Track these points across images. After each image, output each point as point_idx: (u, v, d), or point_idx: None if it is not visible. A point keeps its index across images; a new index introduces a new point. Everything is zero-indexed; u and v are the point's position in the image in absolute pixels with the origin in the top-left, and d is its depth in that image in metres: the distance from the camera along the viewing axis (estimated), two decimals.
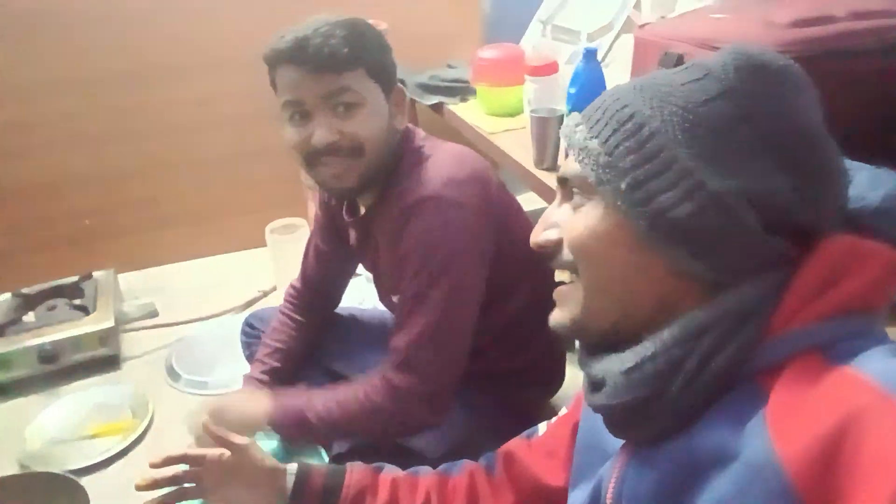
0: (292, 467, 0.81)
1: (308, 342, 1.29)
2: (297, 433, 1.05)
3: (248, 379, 1.23)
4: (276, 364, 1.24)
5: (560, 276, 0.56)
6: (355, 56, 0.94)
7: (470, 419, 1.09)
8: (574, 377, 1.42)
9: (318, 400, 1.01)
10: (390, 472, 0.81)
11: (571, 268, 0.54)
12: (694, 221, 0.47)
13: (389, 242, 1.02)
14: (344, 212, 1.14)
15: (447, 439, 1.05)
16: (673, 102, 0.49)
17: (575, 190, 0.54)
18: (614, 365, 0.51)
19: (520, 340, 1.15)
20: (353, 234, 1.15)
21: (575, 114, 0.58)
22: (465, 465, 0.80)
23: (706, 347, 0.47)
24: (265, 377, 1.22)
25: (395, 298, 1.09)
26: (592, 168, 0.51)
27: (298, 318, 1.29)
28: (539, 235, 0.56)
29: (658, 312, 0.50)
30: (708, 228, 0.47)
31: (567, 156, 0.57)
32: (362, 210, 1.09)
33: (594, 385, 0.55)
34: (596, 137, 0.51)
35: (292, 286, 1.33)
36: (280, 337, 1.27)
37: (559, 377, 1.25)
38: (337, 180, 0.98)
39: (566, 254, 0.54)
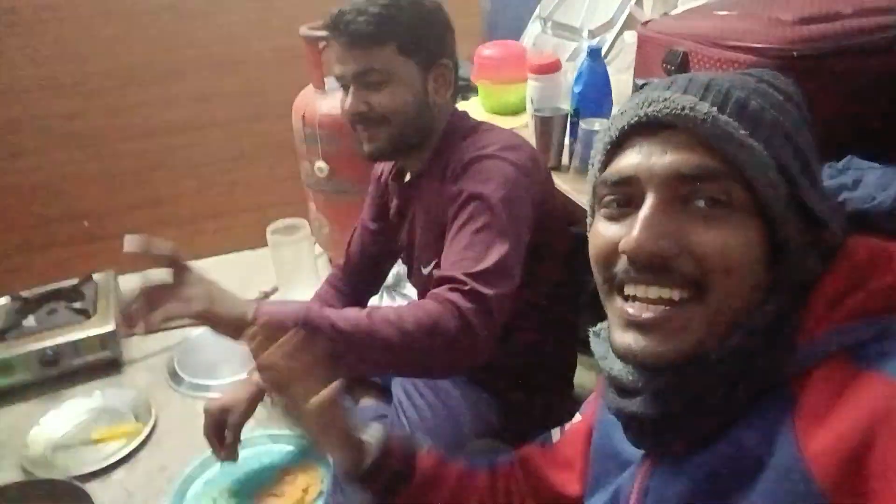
0: (374, 435, 0.72)
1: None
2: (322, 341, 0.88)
3: None
4: None
5: (635, 289, 0.49)
6: (384, 33, 0.98)
7: (496, 415, 1.11)
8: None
9: (352, 312, 0.87)
10: (456, 462, 0.76)
11: (686, 283, 0.47)
12: (818, 206, 0.48)
13: (435, 202, 1.05)
14: (391, 178, 1.19)
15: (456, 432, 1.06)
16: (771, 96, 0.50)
17: (695, 193, 0.47)
18: (660, 375, 0.50)
19: (543, 330, 1.14)
20: (394, 204, 1.18)
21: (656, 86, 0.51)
22: (503, 463, 0.78)
23: (745, 357, 0.47)
24: None
25: (424, 270, 1.10)
26: (735, 143, 0.46)
27: (343, 288, 1.32)
28: (649, 243, 0.47)
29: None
30: (818, 216, 0.48)
31: (634, 155, 0.51)
32: (408, 176, 1.14)
33: (625, 391, 0.53)
34: (725, 110, 0.47)
35: (336, 266, 1.37)
36: (325, 298, 1.29)
37: (569, 381, 1.26)
38: (369, 144, 1.06)
39: (685, 267, 0.47)
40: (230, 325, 0.82)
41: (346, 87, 1.04)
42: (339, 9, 0.99)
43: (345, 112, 1.04)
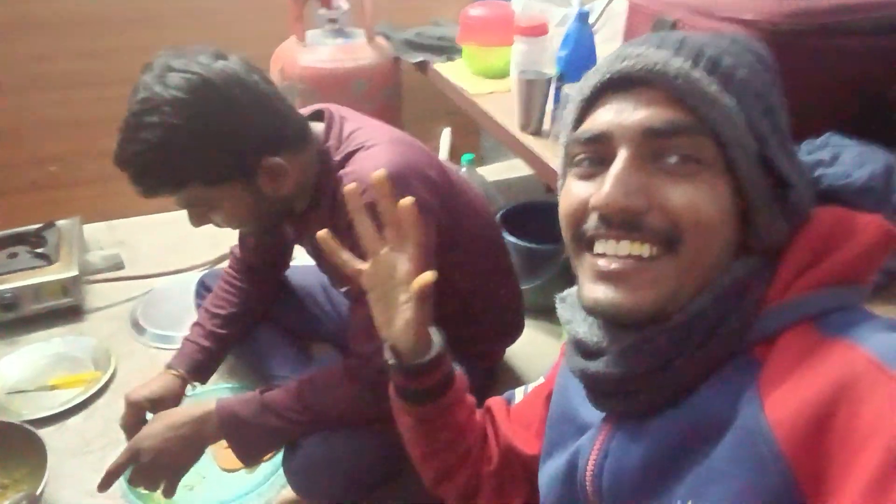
0: (437, 336, 0.70)
1: (252, 308, 1.25)
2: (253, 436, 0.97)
3: (185, 342, 1.18)
4: (218, 329, 1.19)
5: (605, 246, 0.48)
6: (172, 185, 0.89)
7: None
8: (536, 332, 1.43)
9: (273, 402, 0.96)
10: (469, 395, 0.75)
11: (656, 239, 0.46)
12: (786, 168, 0.47)
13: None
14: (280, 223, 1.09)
15: None
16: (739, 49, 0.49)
17: (666, 150, 0.46)
18: (627, 334, 0.49)
19: (481, 305, 1.16)
20: (289, 230, 1.13)
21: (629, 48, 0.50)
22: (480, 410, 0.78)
23: (712, 319, 0.46)
24: (206, 342, 1.18)
25: (340, 290, 1.09)
26: (707, 99, 0.45)
27: (241, 285, 1.25)
28: (620, 199, 0.46)
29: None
30: (786, 177, 0.48)
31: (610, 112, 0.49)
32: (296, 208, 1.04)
33: (588, 352, 0.53)
34: (697, 67, 0.46)
35: (233, 254, 1.28)
36: (219, 303, 1.23)
37: (519, 329, 1.28)
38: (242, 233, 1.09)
39: (656, 223, 0.46)
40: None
41: None
42: (118, 137, 0.86)
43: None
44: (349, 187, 0.65)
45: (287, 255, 1.30)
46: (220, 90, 0.84)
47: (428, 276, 0.62)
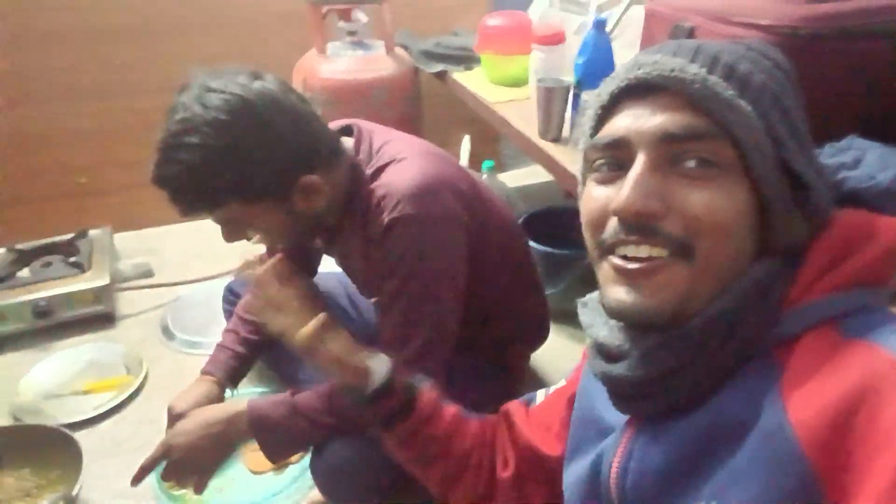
0: (380, 368, 0.73)
1: None
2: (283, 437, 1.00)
3: (220, 348, 1.21)
4: (251, 335, 1.21)
5: (625, 250, 0.49)
6: (212, 203, 0.89)
7: (461, 376, 1.10)
8: (559, 337, 1.44)
9: (303, 404, 0.98)
10: (449, 405, 0.77)
11: (673, 245, 0.47)
12: (805, 170, 0.48)
13: (364, 251, 1.01)
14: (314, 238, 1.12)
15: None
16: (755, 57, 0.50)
17: (684, 154, 0.47)
18: (648, 337, 0.50)
19: (506, 313, 1.17)
20: (318, 242, 1.14)
21: (646, 55, 0.50)
22: (491, 418, 0.80)
23: (733, 320, 0.47)
24: (240, 348, 1.20)
25: (369, 301, 1.11)
26: (723, 103, 0.46)
27: None
28: (638, 202, 0.46)
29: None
30: (808, 183, 0.48)
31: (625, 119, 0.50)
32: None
33: (611, 355, 0.54)
34: (713, 72, 0.47)
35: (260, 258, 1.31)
36: (252, 309, 1.25)
37: (543, 335, 1.29)
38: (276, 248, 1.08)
39: (674, 227, 0.47)
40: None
41: None
42: (156, 157, 0.86)
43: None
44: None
45: (315, 263, 1.33)
46: (259, 111, 0.85)
47: (302, 331, 0.71)
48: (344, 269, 1.19)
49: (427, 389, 0.76)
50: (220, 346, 1.21)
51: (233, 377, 1.18)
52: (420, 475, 0.77)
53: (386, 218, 0.93)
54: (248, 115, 0.84)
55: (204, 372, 1.16)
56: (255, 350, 1.22)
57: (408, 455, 0.76)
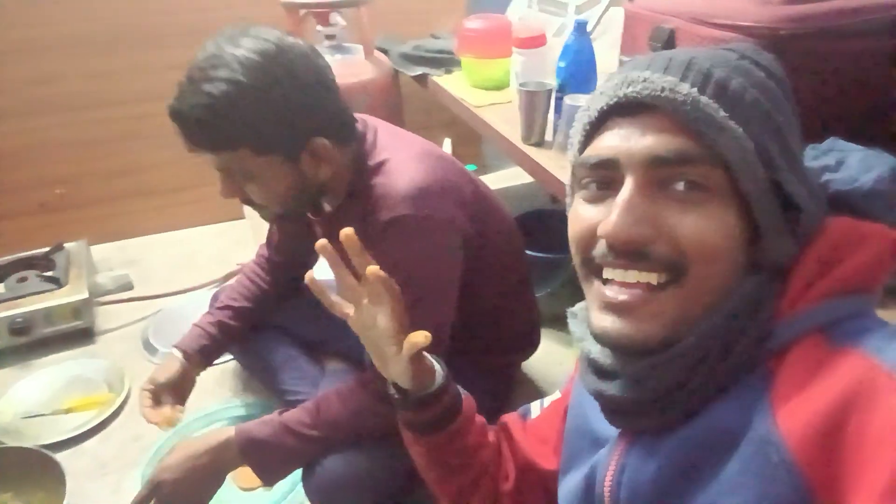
0: (438, 367, 0.71)
1: (265, 308, 1.28)
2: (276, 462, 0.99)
3: (193, 327, 1.22)
4: (227, 320, 1.22)
5: (613, 273, 0.49)
6: (227, 140, 0.86)
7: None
8: (548, 341, 1.44)
9: (290, 420, 0.98)
10: (478, 414, 0.76)
11: (663, 268, 0.47)
12: (796, 191, 0.47)
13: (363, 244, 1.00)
14: (308, 212, 1.10)
15: None
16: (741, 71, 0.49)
17: (674, 177, 0.46)
18: (638, 358, 0.49)
19: (496, 319, 1.17)
20: (318, 230, 1.14)
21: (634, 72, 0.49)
22: (493, 429, 0.79)
23: (725, 337, 0.47)
24: (212, 329, 1.21)
25: None
26: (715, 126, 0.45)
27: (260, 283, 1.28)
28: (626, 229, 0.46)
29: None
30: (795, 198, 0.48)
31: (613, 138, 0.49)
32: (327, 207, 1.06)
33: (602, 372, 0.53)
34: (705, 92, 0.46)
35: (261, 252, 1.32)
36: (234, 295, 1.26)
37: (534, 344, 1.29)
38: (265, 214, 1.05)
39: (663, 252, 0.47)
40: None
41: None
42: (178, 89, 0.87)
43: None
44: (346, 231, 0.64)
45: (312, 258, 1.31)
46: (290, 60, 0.85)
47: (419, 338, 0.62)
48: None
49: (467, 395, 0.74)
50: (193, 325, 1.23)
51: (201, 354, 1.19)
52: (438, 485, 0.75)
53: (384, 216, 0.92)
54: (278, 61, 0.84)
55: (175, 346, 1.19)
56: (229, 335, 1.23)
57: (435, 462, 0.73)
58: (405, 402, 0.70)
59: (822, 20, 0.82)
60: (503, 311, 1.17)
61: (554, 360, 1.46)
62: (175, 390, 1.14)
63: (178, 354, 1.18)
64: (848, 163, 0.59)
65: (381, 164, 0.97)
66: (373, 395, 0.96)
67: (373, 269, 0.62)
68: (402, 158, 0.97)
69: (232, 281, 1.35)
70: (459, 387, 0.74)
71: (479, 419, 0.75)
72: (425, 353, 0.69)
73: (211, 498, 0.98)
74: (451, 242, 0.98)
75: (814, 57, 0.81)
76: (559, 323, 1.37)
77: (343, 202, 1.02)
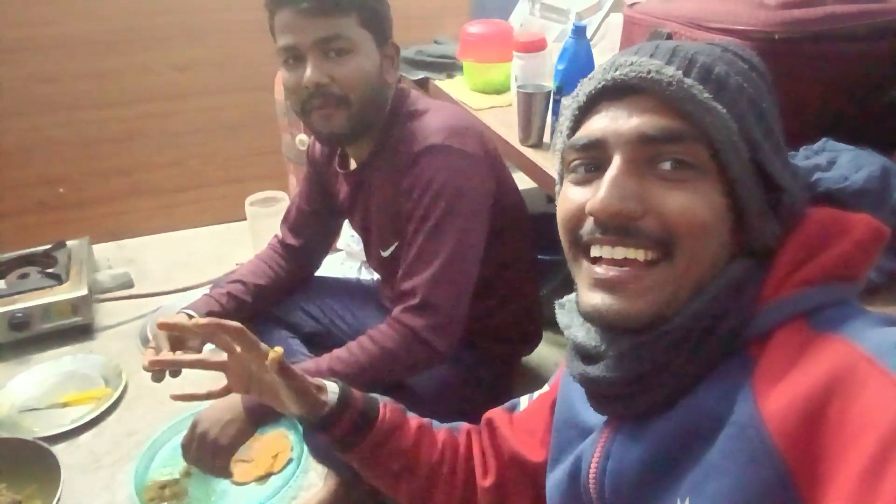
0: (333, 386, 0.74)
1: (276, 290, 1.27)
2: None
3: (203, 297, 1.20)
4: (237, 294, 1.21)
5: (601, 250, 0.49)
6: (348, 1, 0.95)
7: (454, 366, 1.12)
8: (545, 344, 1.45)
9: (323, 363, 0.98)
10: (414, 416, 0.77)
11: (651, 244, 0.47)
12: (778, 172, 0.48)
13: (388, 190, 1.04)
14: (336, 165, 1.16)
15: (435, 380, 1.07)
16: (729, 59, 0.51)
17: (660, 155, 0.47)
18: (624, 338, 0.50)
19: (499, 299, 1.18)
20: (343, 188, 1.15)
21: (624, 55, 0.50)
22: (463, 426, 0.79)
23: (710, 320, 0.47)
24: (223, 300, 1.19)
25: (384, 253, 1.11)
26: (700, 106, 0.46)
27: (274, 265, 1.28)
28: (615, 203, 0.47)
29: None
30: (781, 185, 0.48)
31: (605, 119, 0.50)
32: (353, 164, 1.11)
33: (588, 356, 0.54)
34: (690, 74, 0.47)
35: (276, 238, 1.31)
36: (246, 273, 1.25)
37: (536, 336, 1.30)
38: (327, 122, 1.00)
39: (651, 228, 0.47)
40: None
41: (297, 59, 0.97)
42: None
43: (299, 87, 0.97)
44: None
45: (328, 239, 1.33)
46: None
47: (272, 353, 0.67)
48: (361, 227, 1.19)
49: (389, 402, 0.75)
50: (205, 295, 1.21)
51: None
52: (390, 491, 0.76)
53: (416, 147, 0.98)
54: None
55: (184, 308, 1.15)
56: (238, 308, 1.21)
57: (374, 471, 0.74)
58: (310, 427, 0.72)
59: (817, 24, 0.83)
60: (510, 289, 1.17)
61: (550, 362, 1.46)
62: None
63: (185, 316, 1.14)
64: (839, 162, 0.60)
65: (417, 111, 1.04)
66: (402, 328, 0.98)
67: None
68: (437, 107, 1.06)
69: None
70: (377, 395, 0.76)
71: (415, 422, 0.75)
72: (309, 378, 0.72)
73: (238, 445, 0.97)
74: (480, 176, 1.02)
75: (808, 60, 0.82)
76: (555, 326, 1.38)
77: (370, 158, 1.06)
